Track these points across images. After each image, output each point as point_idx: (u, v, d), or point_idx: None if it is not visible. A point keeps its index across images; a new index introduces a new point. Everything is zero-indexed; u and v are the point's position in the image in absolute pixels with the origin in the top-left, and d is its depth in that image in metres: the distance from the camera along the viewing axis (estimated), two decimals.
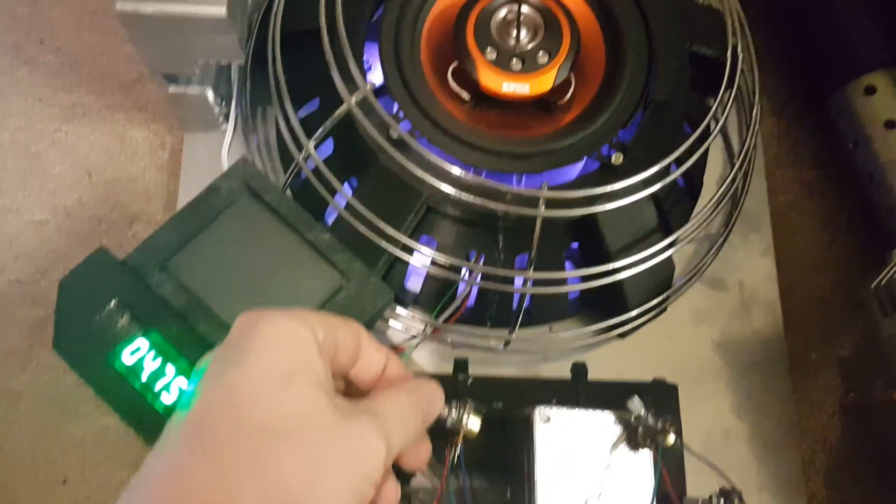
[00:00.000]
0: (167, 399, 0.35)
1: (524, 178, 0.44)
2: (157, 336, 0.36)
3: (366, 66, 0.45)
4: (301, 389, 0.26)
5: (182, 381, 0.35)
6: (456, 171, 0.39)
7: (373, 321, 0.39)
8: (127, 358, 0.36)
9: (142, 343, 0.36)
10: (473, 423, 0.34)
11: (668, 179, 0.41)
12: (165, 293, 0.37)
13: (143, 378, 0.35)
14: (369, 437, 0.26)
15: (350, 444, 0.26)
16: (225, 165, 0.47)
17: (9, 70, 0.52)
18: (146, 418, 0.35)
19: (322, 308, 0.37)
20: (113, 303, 0.36)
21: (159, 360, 0.36)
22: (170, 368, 0.35)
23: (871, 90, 0.47)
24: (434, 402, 0.32)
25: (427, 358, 0.46)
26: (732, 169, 0.44)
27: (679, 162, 0.42)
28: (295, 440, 0.25)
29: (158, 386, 0.35)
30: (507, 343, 0.45)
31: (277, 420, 0.25)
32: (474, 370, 0.41)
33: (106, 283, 0.36)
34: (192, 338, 0.36)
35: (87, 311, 0.36)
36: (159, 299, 0.37)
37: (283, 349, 0.27)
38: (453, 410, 0.34)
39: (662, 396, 0.42)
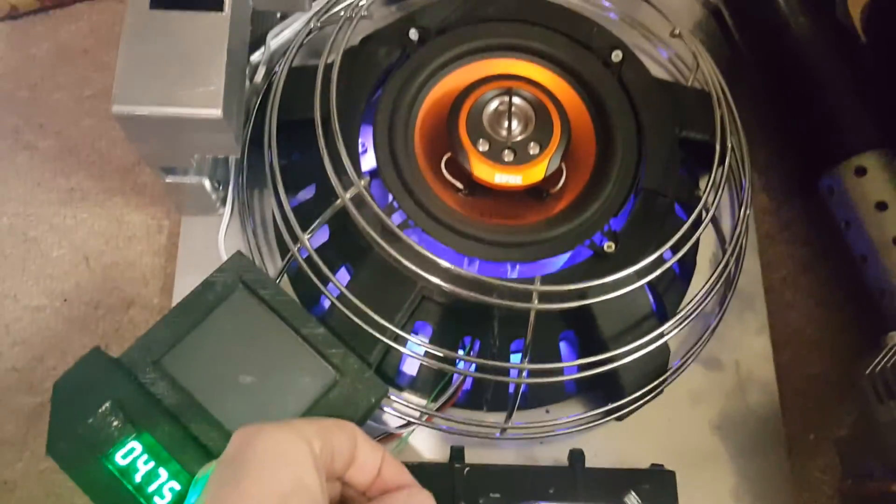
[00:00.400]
0: (160, 502, 0.35)
1: (518, 266, 0.44)
2: (149, 438, 0.36)
3: (361, 150, 0.45)
4: None
5: (174, 484, 0.35)
6: (448, 264, 0.39)
7: (367, 416, 0.39)
8: (120, 460, 0.36)
9: (135, 445, 0.36)
10: None
11: (662, 269, 0.41)
12: (158, 392, 0.37)
13: (137, 479, 0.35)
14: None
15: None
16: (222, 248, 0.47)
17: (8, 154, 0.52)
18: None
19: (317, 404, 0.37)
20: (107, 404, 0.36)
21: (152, 462, 0.36)
22: (162, 471, 0.35)
23: (861, 171, 0.48)
24: None
25: (423, 443, 0.46)
26: (724, 255, 0.45)
27: (673, 249, 0.42)
28: None
29: (151, 488, 0.35)
30: (503, 430, 0.44)
31: None
32: (470, 453, 0.41)
33: (100, 383, 0.36)
34: (184, 438, 0.36)
35: (81, 413, 0.36)
36: (153, 398, 0.37)
37: (279, 470, 0.27)
38: None
39: (661, 484, 0.42)
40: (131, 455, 0.36)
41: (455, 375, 0.43)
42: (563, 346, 0.46)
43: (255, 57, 0.50)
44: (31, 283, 0.49)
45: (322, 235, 0.46)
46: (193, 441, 0.36)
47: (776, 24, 0.51)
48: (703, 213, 0.44)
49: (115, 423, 0.36)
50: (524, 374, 0.42)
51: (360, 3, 0.46)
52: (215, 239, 0.48)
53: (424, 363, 0.42)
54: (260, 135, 0.46)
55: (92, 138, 0.53)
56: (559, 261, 0.45)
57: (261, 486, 0.27)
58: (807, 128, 0.51)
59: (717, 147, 0.44)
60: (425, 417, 0.44)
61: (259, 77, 0.49)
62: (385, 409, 0.45)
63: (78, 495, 0.45)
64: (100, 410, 0.36)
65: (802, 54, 0.51)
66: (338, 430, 0.30)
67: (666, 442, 0.46)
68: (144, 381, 0.37)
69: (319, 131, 0.41)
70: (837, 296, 0.51)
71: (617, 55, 0.46)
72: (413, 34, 0.46)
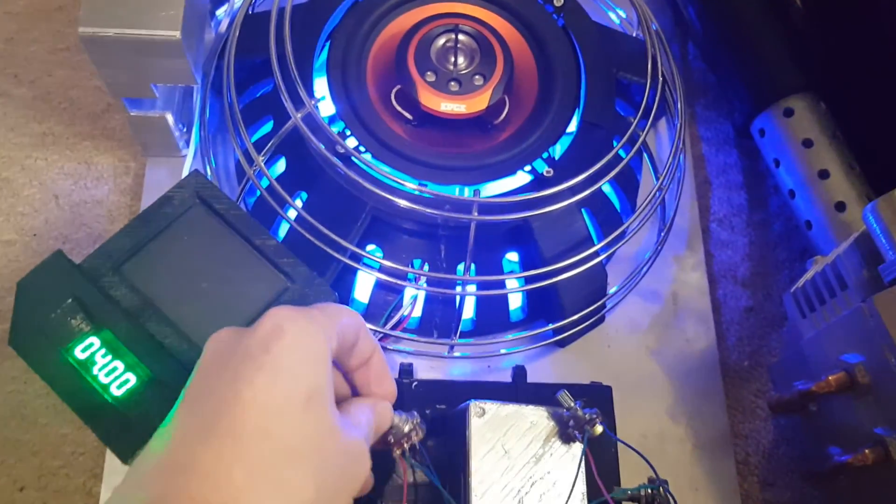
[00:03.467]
0: (117, 391, 0.37)
1: (465, 190, 0.47)
2: (108, 334, 0.38)
3: (318, 97, 0.48)
4: (317, 411, 0.29)
5: (130, 376, 0.37)
6: (395, 180, 0.42)
7: None
8: (79, 354, 0.38)
9: (94, 340, 0.38)
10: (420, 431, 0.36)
11: (595, 187, 0.44)
12: (118, 294, 0.39)
13: (95, 371, 0.37)
14: (362, 450, 0.30)
15: (351, 460, 0.30)
16: None
17: None
18: (97, 410, 0.37)
19: (267, 307, 0.39)
20: (68, 302, 0.38)
21: (109, 356, 0.38)
22: (119, 364, 0.37)
23: (789, 112, 0.51)
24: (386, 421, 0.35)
25: None
26: (658, 181, 0.47)
27: (607, 175, 0.45)
28: (310, 460, 0.28)
29: (108, 380, 0.37)
30: (451, 347, 0.47)
31: (297, 440, 0.28)
32: (421, 376, 0.43)
33: (62, 283, 0.38)
34: (141, 336, 0.38)
35: (43, 308, 0.38)
36: (112, 300, 0.39)
37: (306, 366, 0.29)
38: (405, 424, 0.36)
39: (598, 397, 0.44)
40: (90, 349, 0.37)
41: (404, 295, 0.46)
42: (512, 282, 0.48)
43: (220, 12, 0.53)
44: (1, 219, 0.51)
45: (279, 169, 0.48)
46: (150, 339, 0.38)
47: None
48: (635, 138, 0.47)
49: (76, 320, 0.38)
50: (467, 287, 0.44)
51: None
52: (179, 178, 0.50)
53: (378, 277, 0.44)
54: (222, 82, 0.48)
55: (64, 87, 0.55)
56: (505, 188, 0.47)
57: (293, 382, 0.29)
58: (740, 76, 0.54)
59: (649, 80, 0.47)
60: (378, 338, 0.46)
61: (223, 28, 0.52)
62: None
63: (42, 413, 0.47)
64: (61, 307, 0.38)
65: (736, 11, 0.54)
66: (348, 319, 0.33)
67: (605, 367, 0.49)
68: (104, 283, 0.39)
69: (274, 61, 0.44)
70: (771, 234, 0.54)
71: (559, 0, 0.49)
72: None
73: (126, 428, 0.37)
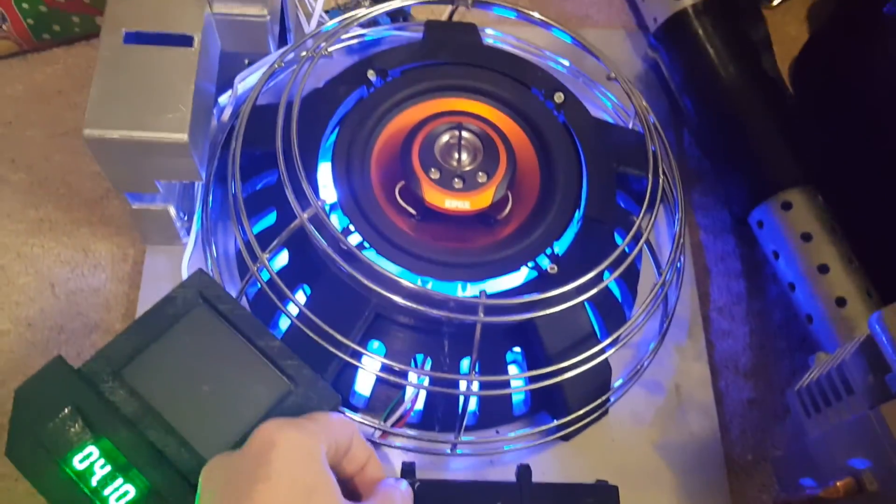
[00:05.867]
0: None
1: (468, 287, 0.47)
2: (107, 443, 0.37)
3: (321, 186, 0.48)
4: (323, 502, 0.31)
5: (130, 488, 0.36)
6: (399, 279, 0.42)
7: None
8: (77, 464, 0.37)
9: (92, 450, 0.37)
10: None
11: (600, 286, 0.44)
12: (117, 400, 0.38)
13: (94, 483, 0.36)
14: None
15: None
16: (184, 277, 0.49)
17: None
18: None
19: (271, 413, 0.39)
20: (66, 410, 0.37)
21: (108, 467, 0.37)
22: (118, 475, 0.36)
23: (787, 205, 0.51)
24: None
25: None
26: (661, 277, 0.48)
27: (611, 270, 0.45)
28: None
29: (107, 491, 0.36)
30: (454, 446, 0.46)
31: None
32: (422, 473, 0.43)
33: (60, 390, 0.38)
34: (141, 444, 0.37)
35: (41, 417, 0.37)
36: (111, 406, 0.38)
37: (303, 466, 0.32)
38: None
39: (604, 497, 0.43)
40: (88, 459, 0.37)
41: (407, 392, 0.45)
42: (514, 370, 0.48)
43: (223, 99, 0.53)
44: None
45: (282, 262, 0.48)
46: (150, 447, 0.37)
47: (708, 74, 0.56)
48: (638, 236, 0.47)
49: (74, 428, 0.37)
50: (470, 386, 0.44)
51: (321, 45, 0.50)
52: (178, 267, 0.50)
53: (379, 375, 0.44)
54: (225, 170, 0.48)
55: (62, 172, 0.55)
56: (509, 285, 0.47)
57: (290, 481, 0.30)
58: (738, 168, 0.54)
59: (650, 176, 0.47)
60: (378, 434, 0.46)
61: (226, 116, 0.52)
62: None
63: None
64: (59, 415, 0.37)
65: (732, 101, 0.55)
66: (340, 426, 0.35)
67: (610, 461, 0.48)
68: (104, 389, 0.38)
69: (280, 158, 0.44)
70: (771, 325, 0.54)
71: (559, 97, 0.50)
72: (371, 75, 0.49)
73: None
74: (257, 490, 0.30)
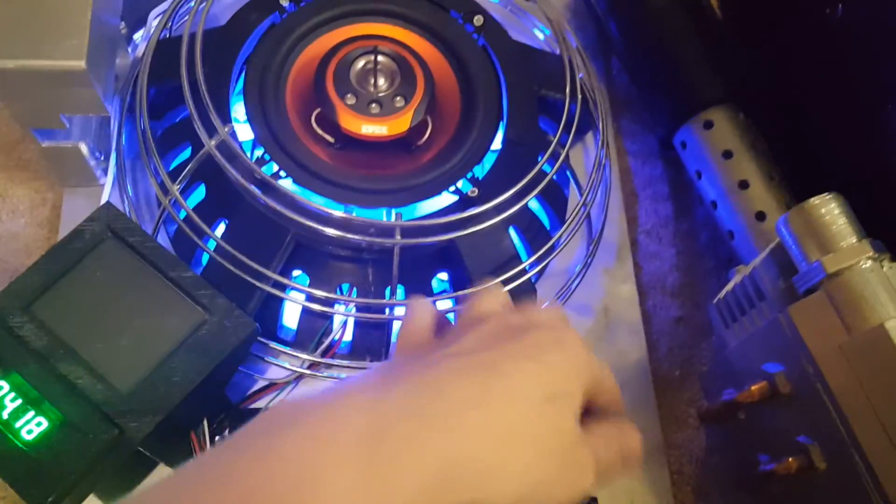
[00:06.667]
0: (28, 436, 0.36)
1: (393, 213, 0.47)
2: (17, 377, 0.36)
3: (237, 121, 0.47)
4: (560, 410, 0.29)
5: (42, 420, 0.36)
6: (316, 206, 0.41)
7: (240, 353, 0.40)
8: None
9: (2, 384, 0.36)
10: None
11: (519, 205, 0.44)
12: (27, 335, 0.37)
13: (4, 416, 0.36)
14: (588, 466, 0.30)
15: (575, 470, 0.29)
16: None
17: None
18: (7, 456, 0.36)
19: (185, 342, 0.38)
20: None
21: (19, 400, 0.36)
22: (29, 408, 0.36)
23: (709, 124, 0.51)
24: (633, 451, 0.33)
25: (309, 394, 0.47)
26: (582, 197, 0.48)
27: (532, 191, 0.45)
28: (543, 451, 0.28)
29: (19, 424, 0.36)
30: None
31: (533, 429, 0.28)
32: None
33: None
34: (53, 377, 0.37)
35: None
36: (21, 341, 0.37)
37: (573, 373, 0.30)
38: None
39: None
40: None
41: (334, 321, 0.45)
42: (444, 300, 0.48)
43: (138, 36, 0.52)
44: None
45: (199, 196, 0.47)
46: (62, 380, 0.37)
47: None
48: (557, 154, 0.47)
49: None
50: (396, 311, 0.44)
51: None
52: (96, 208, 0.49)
53: (304, 306, 0.44)
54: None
55: None
56: (431, 208, 0.47)
57: (551, 375, 0.29)
58: (662, 90, 0.54)
59: (567, 97, 0.47)
60: (308, 365, 0.46)
61: (141, 51, 0.51)
62: (269, 360, 0.46)
63: None
64: None
65: (655, 24, 0.55)
66: (608, 377, 0.33)
67: None
68: (13, 324, 0.38)
69: (186, 88, 0.43)
70: (698, 245, 0.55)
71: (479, 19, 0.49)
72: (284, 0, 0.48)
73: (38, 473, 0.36)
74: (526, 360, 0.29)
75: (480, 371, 0.28)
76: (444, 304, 0.47)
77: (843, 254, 0.35)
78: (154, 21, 0.52)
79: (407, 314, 0.33)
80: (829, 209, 0.37)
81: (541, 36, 0.57)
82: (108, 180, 0.49)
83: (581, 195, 0.48)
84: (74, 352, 0.38)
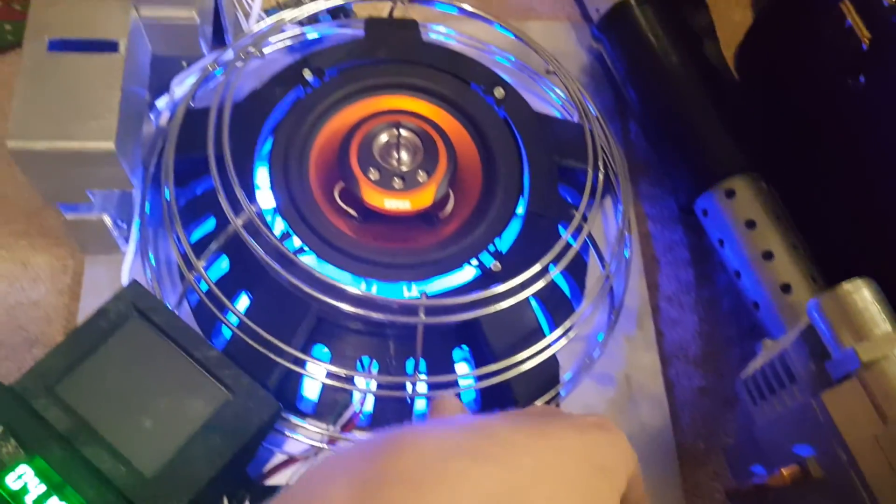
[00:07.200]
0: None
1: (413, 287, 0.46)
2: (40, 462, 0.36)
3: (260, 190, 0.47)
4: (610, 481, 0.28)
5: None
6: (340, 284, 0.41)
7: (262, 433, 0.40)
8: (11, 484, 0.36)
9: (26, 469, 0.36)
10: None
11: (544, 280, 0.44)
12: (51, 418, 0.37)
13: (28, 503, 0.36)
14: None
15: None
16: (125, 285, 0.48)
17: None
18: None
19: (209, 423, 0.38)
20: None
21: (43, 486, 0.36)
22: (53, 494, 0.36)
23: (731, 193, 0.51)
24: None
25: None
26: (604, 269, 0.48)
27: (555, 264, 0.45)
28: None
29: None
30: None
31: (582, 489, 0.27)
32: None
33: None
34: (77, 462, 0.37)
35: None
36: (45, 424, 0.37)
37: (620, 455, 0.29)
38: None
39: None
40: (22, 479, 0.36)
41: (355, 395, 0.45)
42: (463, 367, 0.48)
43: (161, 103, 0.52)
44: None
45: (223, 269, 0.47)
46: (86, 464, 0.37)
47: (650, 64, 0.56)
48: (581, 227, 0.47)
49: (6, 448, 0.36)
50: (418, 388, 0.43)
51: (250, 50, 0.49)
52: (118, 277, 0.49)
53: (324, 382, 0.43)
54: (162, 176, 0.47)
55: None
56: (453, 283, 0.47)
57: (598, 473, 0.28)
58: (682, 157, 0.54)
59: (590, 169, 0.47)
60: (328, 439, 0.45)
61: (164, 120, 0.51)
62: (288, 433, 0.45)
63: None
64: None
65: (674, 91, 0.55)
66: (641, 481, 0.32)
67: None
68: (37, 407, 0.37)
69: (213, 164, 0.43)
70: (719, 312, 0.54)
71: (500, 91, 0.50)
72: (308, 74, 0.48)
73: None
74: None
75: (531, 428, 0.28)
76: (465, 381, 0.46)
77: (878, 342, 0.35)
78: (176, 88, 0.52)
79: (434, 413, 0.33)
80: (862, 295, 0.36)
81: (558, 100, 0.57)
82: (130, 249, 0.49)
83: (603, 266, 0.48)
84: (98, 434, 0.37)
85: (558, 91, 0.57)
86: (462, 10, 0.54)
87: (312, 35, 0.55)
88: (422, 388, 0.44)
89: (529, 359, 0.44)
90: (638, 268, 0.54)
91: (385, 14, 0.58)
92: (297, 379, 0.45)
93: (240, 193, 0.42)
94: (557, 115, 0.57)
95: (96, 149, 0.39)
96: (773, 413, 0.42)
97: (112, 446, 0.37)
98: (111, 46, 0.42)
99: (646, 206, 0.58)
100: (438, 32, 0.57)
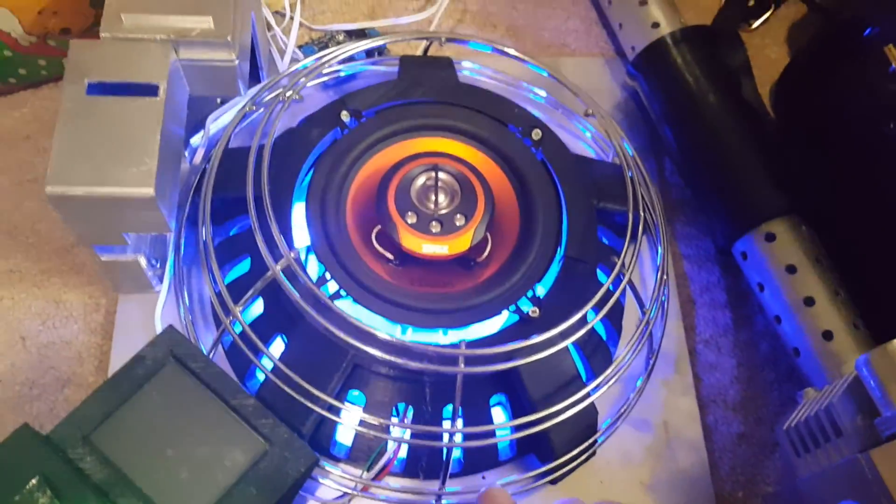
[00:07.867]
0: None
1: (449, 332, 0.46)
2: None
3: (296, 229, 0.47)
4: None
5: None
6: (378, 332, 0.41)
7: (299, 485, 0.39)
8: None
9: None
10: None
11: (584, 329, 0.43)
12: (87, 467, 0.37)
13: None
14: None
15: None
16: (158, 326, 0.48)
17: None
18: None
19: (246, 475, 0.38)
20: (34, 480, 0.36)
21: None
22: None
23: (771, 237, 0.50)
24: None
25: None
26: (644, 316, 0.47)
27: (595, 311, 0.44)
28: None
29: None
30: (439, 496, 0.45)
31: None
32: None
33: (27, 460, 0.36)
34: None
35: (8, 490, 0.35)
36: (81, 474, 0.37)
37: None
38: None
39: None
40: None
41: (388, 442, 0.44)
42: (498, 411, 0.47)
43: (196, 140, 0.52)
44: None
45: (258, 309, 0.47)
46: None
47: (686, 104, 0.55)
48: (622, 275, 0.46)
49: (43, 499, 0.36)
50: (455, 437, 0.42)
51: (289, 93, 0.49)
52: (151, 316, 0.49)
53: (358, 430, 0.43)
54: (198, 214, 0.47)
55: (32, 221, 0.54)
56: (490, 328, 0.46)
57: None
58: (720, 199, 0.54)
59: (630, 215, 0.47)
60: (361, 487, 0.44)
61: (198, 158, 0.51)
62: (321, 480, 0.45)
63: None
64: (27, 487, 0.35)
65: (711, 131, 0.54)
66: None
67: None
68: (73, 456, 0.37)
69: (251, 206, 0.43)
70: (758, 356, 0.53)
71: (537, 133, 0.49)
72: (345, 116, 0.48)
73: None
74: None
75: None
76: (502, 430, 0.46)
77: None
78: (212, 126, 0.52)
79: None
80: None
81: (589, 134, 0.57)
82: (164, 288, 0.49)
83: (643, 312, 0.47)
84: (134, 485, 0.37)
85: (592, 129, 0.57)
86: (496, 50, 0.54)
87: (348, 71, 0.55)
88: (458, 436, 0.44)
89: (568, 408, 0.43)
90: (675, 310, 0.53)
91: (418, 52, 0.58)
92: (332, 425, 0.45)
93: (278, 238, 0.42)
94: (591, 151, 0.57)
95: (136, 195, 0.39)
96: (818, 466, 0.41)
97: (148, 497, 0.37)
98: (151, 90, 0.42)
99: (681, 246, 0.57)
100: (473, 70, 0.56)
